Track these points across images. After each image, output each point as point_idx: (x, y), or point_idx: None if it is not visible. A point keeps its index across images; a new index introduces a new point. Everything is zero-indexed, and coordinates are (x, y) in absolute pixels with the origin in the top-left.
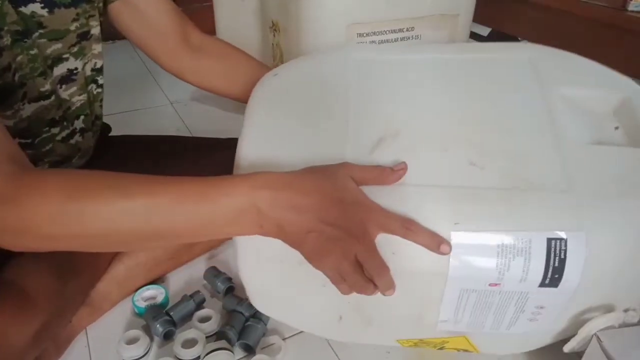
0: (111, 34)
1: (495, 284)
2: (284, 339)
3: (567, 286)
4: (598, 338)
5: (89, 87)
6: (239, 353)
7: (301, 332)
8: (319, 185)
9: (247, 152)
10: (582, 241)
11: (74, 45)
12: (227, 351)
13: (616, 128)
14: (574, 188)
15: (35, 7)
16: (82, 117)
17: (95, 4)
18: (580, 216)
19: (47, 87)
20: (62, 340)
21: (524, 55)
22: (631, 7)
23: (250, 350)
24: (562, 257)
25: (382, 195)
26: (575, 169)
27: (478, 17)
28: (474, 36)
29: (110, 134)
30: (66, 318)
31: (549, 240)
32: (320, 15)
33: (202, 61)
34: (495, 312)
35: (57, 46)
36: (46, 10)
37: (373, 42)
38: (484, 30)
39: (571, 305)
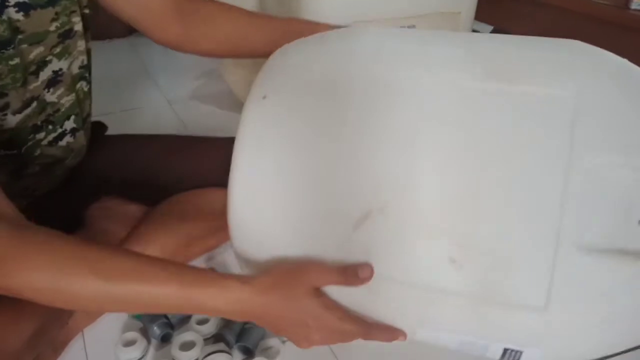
0: (108, 32)
1: None
2: (282, 342)
3: None
4: None
5: (78, 86)
6: (238, 356)
7: None
8: (279, 311)
9: (237, 190)
10: (539, 356)
11: (56, 46)
12: (225, 354)
13: None
14: (549, 309)
15: (10, 12)
16: (72, 117)
17: None
18: (545, 338)
19: (28, 95)
20: (58, 343)
21: (573, 90)
22: (634, 5)
23: (249, 353)
24: None
25: (350, 290)
26: (560, 285)
27: (479, 15)
28: None
29: (106, 133)
30: (62, 321)
31: (505, 349)
32: (320, 14)
33: (196, 27)
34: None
35: (39, 50)
36: (21, 13)
37: None
38: (486, 29)
39: None
